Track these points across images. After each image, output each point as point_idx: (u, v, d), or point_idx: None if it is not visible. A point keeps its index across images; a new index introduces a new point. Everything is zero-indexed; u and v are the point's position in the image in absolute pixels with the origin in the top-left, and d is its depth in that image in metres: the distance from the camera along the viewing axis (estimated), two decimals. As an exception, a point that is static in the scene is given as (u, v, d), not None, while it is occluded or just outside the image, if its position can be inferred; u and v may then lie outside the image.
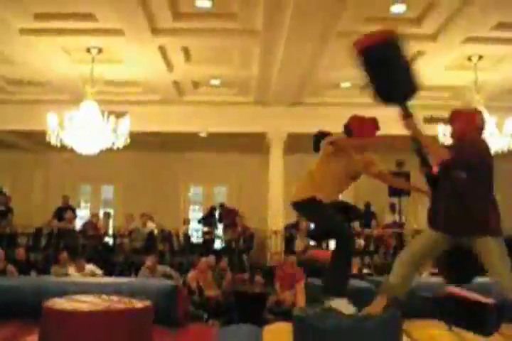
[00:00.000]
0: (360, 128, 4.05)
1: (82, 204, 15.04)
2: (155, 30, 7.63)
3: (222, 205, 13.38)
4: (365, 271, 9.42)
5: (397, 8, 7.04)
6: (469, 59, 8.49)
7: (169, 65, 9.11)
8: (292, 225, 11.93)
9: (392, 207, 12.26)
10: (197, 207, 15.44)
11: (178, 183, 14.78)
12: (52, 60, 8.82)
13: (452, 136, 3.83)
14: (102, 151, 8.73)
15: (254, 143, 12.68)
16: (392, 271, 3.64)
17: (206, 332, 4.64)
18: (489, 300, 3.40)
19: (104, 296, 3.83)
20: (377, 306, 3.54)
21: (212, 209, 13.34)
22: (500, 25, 7.33)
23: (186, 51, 8.58)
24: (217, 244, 12.84)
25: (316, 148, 4.15)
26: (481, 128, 3.77)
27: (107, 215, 12.74)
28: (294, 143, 11.77)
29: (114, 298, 3.79)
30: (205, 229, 12.90)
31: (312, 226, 5.54)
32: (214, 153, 13.99)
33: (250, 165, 14.21)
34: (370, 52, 3.69)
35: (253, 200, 13.81)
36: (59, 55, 8.60)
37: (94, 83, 8.60)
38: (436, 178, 3.75)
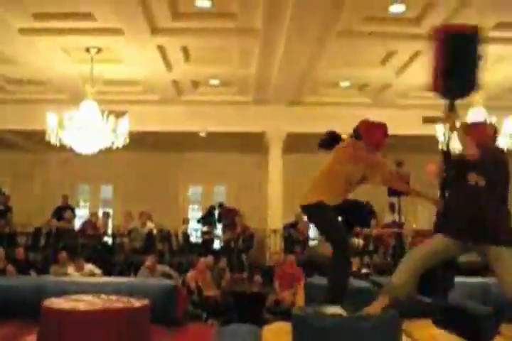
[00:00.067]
0: (368, 133, 4.03)
1: (81, 204, 15.04)
2: (154, 30, 7.62)
3: (221, 205, 13.39)
4: (364, 270, 9.42)
5: (396, 8, 7.03)
6: (468, 59, 8.48)
7: (168, 65, 9.11)
8: (291, 225, 11.94)
9: (392, 207, 12.25)
10: (196, 206, 15.45)
11: (177, 183, 14.78)
12: (51, 59, 8.81)
13: (467, 150, 3.81)
14: (101, 151, 8.73)
15: (254, 143, 12.69)
16: (396, 271, 3.63)
17: (205, 331, 4.65)
18: (486, 310, 3.40)
19: (102, 296, 3.84)
20: (378, 306, 3.54)
21: (212, 209, 13.35)
22: (499, 26, 7.34)
23: (186, 51, 8.58)
24: (217, 244, 12.85)
25: (324, 147, 4.17)
26: (494, 137, 3.80)
27: (106, 215, 12.74)
28: (293, 143, 11.78)
29: (113, 297, 3.80)
30: (205, 228, 12.90)
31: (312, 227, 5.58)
32: (213, 152, 13.98)
33: (249, 165, 14.21)
34: (458, 40, 3.66)
35: (252, 200, 13.81)
36: (58, 54, 8.59)
37: (93, 83, 8.59)
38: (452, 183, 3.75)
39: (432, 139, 9.07)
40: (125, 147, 8.69)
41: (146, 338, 3.55)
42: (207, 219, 13.14)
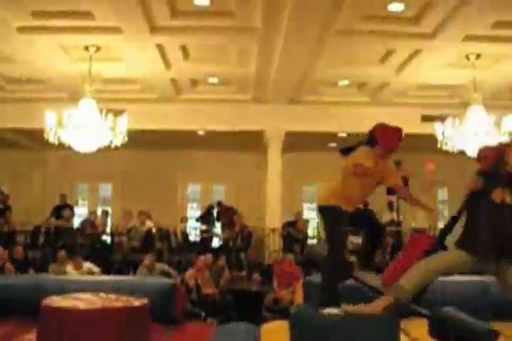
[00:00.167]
0: (384, 137, 4.04)
1: (80, 203, 15.04)
2: (153, 29, 7.62)
3: (220, 203, 13.40)
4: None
5: (395, 7, 7.02)
6: (467, 57, 8.48)
7: (167, 63, 9.10)
8: (290, 223, 11.94)
9: (390, 206, 12.27)
10: (195, 205, 15.46)
11: (176, 181, 14.78)
12: (50, 58, 8.80)
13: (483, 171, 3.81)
14: (100, 149, 8.73)
15: (252, 141, 12.69)
16: (407, 275, 3.59)
17: (204, 330, 4.65)
18: (486, 326, 3.39)
19: (102, 294, 3.84)
20: (380, 304, 3.53)
21: (210, 208, 13.36)
22: (498, 24, 7.33)
23: (184, 49, 8.58)
24: (215, 242, 12.86)
25: (346, 154, 4.24)
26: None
27: (104, 213, 12.74)
28: (292, 142, 11.78)
29: (112, 296, 3.80)
30: (203, 227, 12.91)
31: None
32: (212, 151, 13.99)
33: (248, 164, 14.22)
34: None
35: (251, 198, 13.84)
36: (57, 53, 8.58)
37: (92, 81, 8.59)
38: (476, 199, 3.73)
39: (431, 138, 9.07)
40: (124, 145, 8.69)
41: (146, 337, 3.56)
42: (206, 217, 13.16)
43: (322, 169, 14.20)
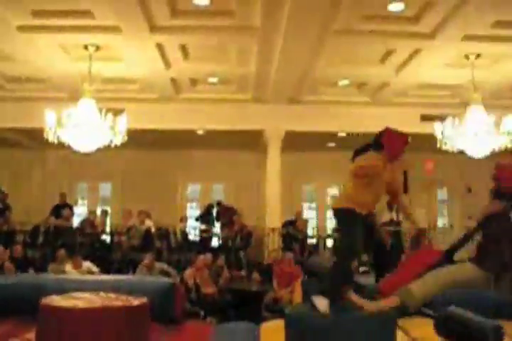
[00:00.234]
0: (390, 143, 4.09)
1: (80, 202, 15.03)
2: (153, 28, 7.62)
3: (219, 203, 13.40)
4: (362, 268, 9.43)
5: (395, 7, 7.02)
6: (467, 57, 8.49)
7: (167, 63, 9.10)
8: (290, 222, 11.95)
9: (390, 205, 12.26)
10: (194, 204, 15.46)
11: (176, 181, 14.77)
12: (50, 57, 8.80)
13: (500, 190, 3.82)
14: (99, 149, 8.72)
15: (252, 141, 12.69)
16: (420, 282, 3.57)
17: (203, 329, 4.65)
18: (491, 324, 3.37)
19: (101, 293, 3.84)
20: (385, 303, 3.51)
21: (210, 207, 13.36)
22: (498, 24, 7.34)
23: (184, 48, 8.57)
24: (215, 242, 12.86)
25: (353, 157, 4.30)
26: None
27: (104, 213, 12.74)
28: (291, 141, 11.78)
29: (112, 295, 3.80)
30: (203, 226, 12.92)
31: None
32: (212, 150, 13.99)
33: (248, 163, 14.22)
34: None
35: (250, 198, 13.84)
36: (57, 52, 8.58)
37: (91, 80, 8.58)
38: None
39: (431, 137, 9.07)
40: (123, 145, 8.68)
41: (145, 336, 3.56)
42: (205, 217, 13.16)
43: (321, 169, 14.24)
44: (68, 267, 8.47)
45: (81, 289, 4.06)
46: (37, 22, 7.45)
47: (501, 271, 3.55)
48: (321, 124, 11.51)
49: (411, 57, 8.67)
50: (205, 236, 12.68)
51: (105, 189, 15.20)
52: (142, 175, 14.27)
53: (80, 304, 3.47)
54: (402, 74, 9.47)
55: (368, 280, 4.71)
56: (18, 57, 8.85)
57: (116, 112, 8.69)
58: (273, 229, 11.22)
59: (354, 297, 3.56)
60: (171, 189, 14.61)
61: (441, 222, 15.33)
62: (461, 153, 8.91)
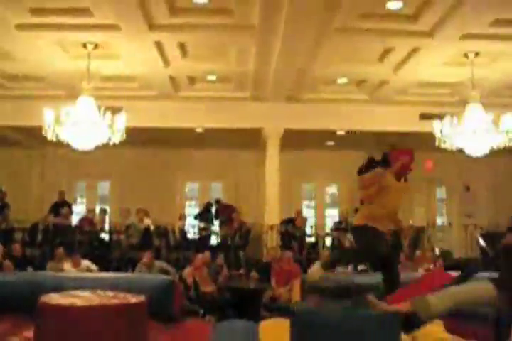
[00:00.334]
0: (398, 159, 4.20)
1: (78, 200, 15.02)
2: (152, 26, 7.61)
3: (218, 201, 13.41)
4: (360, 266, 9.44)
5: (394, 5, 7.03)
6: (466, 55, 8.49)
7: (166, 61, 9.09)
8: (289, 220, 11.94)
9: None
10: (193, 202, 15.45)
11: (175, 179, 14.77)
12: (48, 55, 8.80)
13: None
14: (98, 147, 8.72)
15: (251, 139, 12.69)
16: (438, 295, 3.53)
17: (202, 327, 4.65)
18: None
19: (99, 292, 3.83)
20: (397, 308, 3.47)
21: (209, 205, 13.37)
22: (497, 22, 7.35)
23: (183, 47, 8.57)
24: (214, 240, 12.87)
25: (361, 173, 4.43)
26: None
27: (103, 211, 12.74)
28: (290, 140, 11.78)
29: (110, 293, 3.79)
30: (202, 225, 12.92)
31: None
32: (210, 148, 13.98)
33: (247, 161, 14.23)
34: None
35: (249, 196, 13.84)
36: (55, 50, 8.58)
37: (90, 78, 8.58)
38: None
39: (430, 136, 9.08)
40: (122, 143, 8.68)
41: (144, 334, 3.55)
42: (204, 215, 13.17)
43: (320, 167, 14.25)
44: (67, 265, 8.48)
45: (80, 287, 4.05)
46: (35, 20, 7.44)
47: None
48: (320, 122, 11.51)
49: (410, 55, 8.67)
50: (204, 235, 12.68)
51: (104, 187, 15.20)
52: (141, 173, 14.26)
53: (78, 302, 3.46)
54: (401, 73, 9.47)
55: (367, 278, 4.73)
56: (16, 55, 8.85)
57: (115, 110, 8.69)
58: (271, 227, 11.23)
59: (370, 297, 3.57)
60: (169, 187, 14.61)
61: (439, 221, 15.35)
62: (460, 151, 8.92)
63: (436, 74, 9.59)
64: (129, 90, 10.81)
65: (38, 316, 3.45)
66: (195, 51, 8.78)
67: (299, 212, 12.53)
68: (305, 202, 15.25)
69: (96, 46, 8.30)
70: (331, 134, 12.53)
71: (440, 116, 9.10)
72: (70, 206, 12.26)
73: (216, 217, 13.06)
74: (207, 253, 9.20)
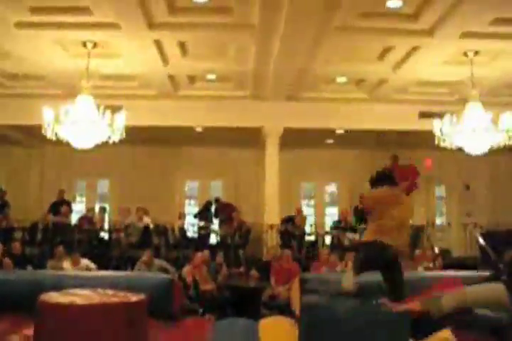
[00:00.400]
0: (402, 176, 4.34)
1: (78, 199, 15.02)
2: (151, 25, 7.61)
3: (217, 200, 13.40)
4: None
5: (393, 3, 7.03)
6: (465, 54, 8.50)
7: (165, 60, 9.09)
8: (289, 218, 11.94)
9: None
10: (193, 201, 15.45)
11: (174, 178, 14.77)
12: (48, 54, 8.79)
13: None
14: (97, 145, 8.72)
15: (251, 138, 12.69)
16: (450, 295, 3.51)
17: (202, 325, 4.65)
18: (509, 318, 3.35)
19: (99, 290, 3.83)
20: (407, 306, 3.46)
21: (208, 204, 13.37)
22: (497, 21, 7.35)
23: (182, 45, 8.57)
24: (213, 239, 12.87)
25: (373, 185, 4.55)
26: None
27: (102, 210, 12.74)
28: (290, 138, 11.78)
29: (109, 291, 3.79)
30: (201, 223, 12.92)
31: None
32: (210, 147, 13.98)
33: (246, 160, 14.23)
34: None
35: (249, 195, 13.85)
36: (55, 49, 8.58)
37: (90, 77, 8.57)
38: None
39: (429, 134, 9.08)
40: (121, 142, 8.68)
41: (144, 332, 3.56)
42: (203, 214, 13.17)
43: (320, 166, 14.26)
44: (66, 264, 8.48)
45: (80, 286, 4.05)
46: (35, 18, 7.44)
47: None
48: (320, 121, 11.52)
49: (409, 54, 8.67)
50: (204, 233, 12.68)
51: (103, 186, 15.20)
52: (140, 172, 14.27)
53: (78, 300, 3.46)
54: (401, 72, 9.48)
55: (366, 277, 4.73)
56: (16, 54, 8.84)
57: (115, 109, 8.68)
58: (271, 226, 11.24)
59: (384, 299, 3.60)
60: (169, 186, 14.61)
61: (439, 220, 15.35)
62: (460, 149, 8.92)
63: (436, 73, 9.60)
64: (129, 89, 10.81)
65: (38, 314, 3.45)
66: (194, 50, 8.78)
67: (299, 210, 12.52)
68: (304, 201, 15.25)
69: (95, 45, 8.30)
70: (331, 133, 12.54)
71: (440, 115, 9.10)
72: (69, 205, 12.25)
73: (216, 216, 13.06)
74: (206, 252, 9.21)
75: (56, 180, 14.03)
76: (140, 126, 10.65)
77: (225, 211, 12.60)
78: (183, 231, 12.62)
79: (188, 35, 8.11)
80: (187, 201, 15.46)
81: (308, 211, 14.63)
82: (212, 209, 13.25)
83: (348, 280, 3.62)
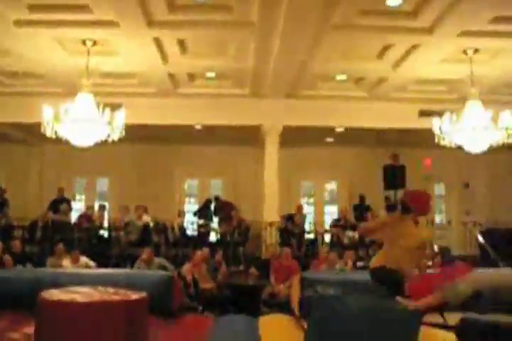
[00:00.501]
0: (416, 203, 4.51)
1: (77, 197, 15.02)
2: (151, 23, 7.60)
3: (217, 198, 13.41)
4: (359, 263, 9.47)
5: (393, 1, 7.01)
6: (465, 52, 8.49)
7: (165, 57, 9.09)
8: (289, 216, 11.94)
9: (387, 200, 12.30)
10: (192, 199, 15.46)
11: (174, 176, 14.77)
12: (47, 52, 8.78)
13: None
14: (97, 144, 8.71)
15: (250, 136, 12.69)
16: (467, 280, 3.51)
17: (202, 322, 4.66)
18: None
19: (100, 288, 3.84)
20: (427, 301, 3.45)
21: (208, 202, 13.36)
22: (496, 19, 7.34)
23: (182, 43, 8.56)
24: (213, 237, 12.88)
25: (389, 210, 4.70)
26: None
27: (102, 208, 12.74)
28: (289, 136, 11.78)
29: (110, 289, 3.80)
30: (201, 221, 12.92)
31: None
32: (209, 145, 13.98)
33: (246, 158, 14.23)
34: None
35: (248, 193, 13.85)
36: (54, 47, 8.56)
37: (89, 75, 8.56)
38: None
39: (429, 132, 9.08)
40: (121, 140, 8.67)
41: (144, 330, 3.57)
42: (203, 212, 13.17)
43: (319, 164, 14.27)
44: (66, 262, 8.49)
45: (79, 283, 4.06)
46: (34, 16, 7.43)
47: None
48: (319, 119, 11.52)
49: (409, 52, 8.67)
50: (203, 231, 12.69)
51: (103, 184, 15.20)
52: (140, 170, 14.28)
53: (79, 298, 3.48)
54: (400, 70, 9.47)
55: (365, 275, 4.73)
56: (15, 52, 8.83)
57: (114, 107, 8.67)
58: (271, 224, 11.24)
59: (399, 298, 3.61)
60: (168, 184, 14.61)
61: (438, 218, 15.37)
62: (459, 148, 8.92)
63: (436, 71, 9.59)
64: (128, 87, 10.80)
65: (39, 312, 3.46)
66: (194, 48, 8.77)
67: (300, 208, 12.52)
68: (304, 199, 15.26)
69: (95, 43, 8.29)
70: (330, 131, 12.54)
71: (439, 113, 9.09)
72: (69, 203, 12.26)
73: (215, 214, 13.06)
74: (205, 249, 9.21)
75: (56, 178, 14.03)
76: (139, 124, 10.65)
77: (225, 209, 12.60)
78: (182, 229, 12.62)
79: (187, 33, 8.11)
80: (187, 199, 15.47)
81: (307, 209, 14.64)
82: (212, 207, 13.25)
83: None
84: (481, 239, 11.63)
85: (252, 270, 9.32)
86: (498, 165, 14.03)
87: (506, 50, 8.48)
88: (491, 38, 7.94)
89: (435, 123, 8.86)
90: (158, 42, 8.39)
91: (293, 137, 12.09)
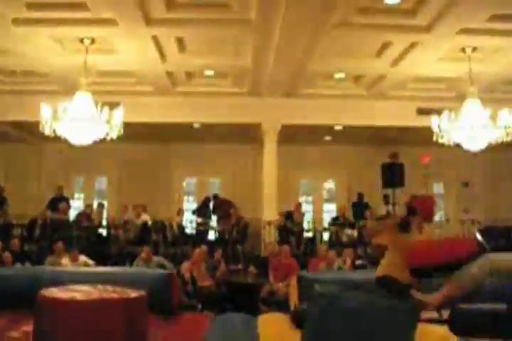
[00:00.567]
0: (422, 206, 4.52)
1: (76, 196, 15.01)
2: (149, 21, 7.59)
3: (215, 196, 13.41)
4: (358, 261, 9.48)
5: (391, 0, 7.02)
6: (463, 50, 8.50)
7: (163, 56, 9.08)
8: (289, 214, 11.94)
9: (386, 199, 12.29)
10: (191, 198, 15.46)
11: (172, 174, 14.77)
12: (45, 50, 8.77)
13: None
14: (95, 142, 8.71)
15: (249, 134, 12.69)
16: (475, 264, 3.46)
17: (201, 320, 4.67)
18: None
19: (99, 286, 3.85)
20: (441, 295, 3.41)
21: (206, 200, 13.37)
22: (494, 17, 7.34)
23: (180, 41, 8.56)
24: (211, 235, 12.89)
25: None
26: None
27: (100, 206, 12.74)
28: (288, 134, 11.79)
29: (109, 287, 3.81)
30: (199, 220, 12.93)
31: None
32: (208, 144, 13.98)
33: (244, 156, 14.24)
34: None
35: (247, 191, 13.85)
36: (52, 45, 8.55)
37: (87, 74, 8.56)
38: None
39: (427, 131, 9.09)
40: (119, 138, 8.67)
41: (143, 328, 3.58)
42: (202, 210, 13.17)
43: (318, 162, 14.27)
44: (65, 260, 8.49)
45: (78, 281, 4.06)
46: (32, 15, 7.42)
47: None
48: (318, 117, 11.53)
49: (407, 50, 8.67)
50: (202, 230, 12.69)
51: (101, 183, 15.20)
52: (138, 168, 14.27)
53: (78, 296, 3.48)
54: (399, 68, 9.47)
55: (365, 274, 4.74)
56: (13, 50, 8.82)
57: (113, 105, 8.67)
58: (269, 222, 11.25)
59: (414, 292, 3.57)
60: (167, 182, 14.60)
61: (437, 216, 15.38)
62: (458, 146, 8.93)
63: (434, 69, 9.60)
64: (127, 85, 10.80)
65: (38, 310, 3.47)
66: (192, 46, 8.77)
67: (298, 206, 12.52)
68: (303, 197, 15.26)
69: (93, 41, 8.28)
70: (329, 129, 12.54)
71: (438, 111, 9.10)
72: (68, 201, 12.25)
73: (214, 212, 13.07)
74: (204, 247, 9.21)
75: (54, 176, 14.03)
76: (138, 122, 10.64)
77: (223, 207, 12.61)
78: (181, 227, 12.63)
79: (185, 31, 8.10)
80: (185, 197, 15.47)
81: (306, 207, 14.64)
82: (211, 205, 13.25)
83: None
84: (479, 237, 11.64)
85: (251, 268, 9.32)
86: (496, 163, 14.05)
87: (504, 48, 8.49)
88: (489, 36, 7.94)
89: (434, 121, 8.86)
90: (156, 41, 8.38)
91: (291, 135, 12.09)
